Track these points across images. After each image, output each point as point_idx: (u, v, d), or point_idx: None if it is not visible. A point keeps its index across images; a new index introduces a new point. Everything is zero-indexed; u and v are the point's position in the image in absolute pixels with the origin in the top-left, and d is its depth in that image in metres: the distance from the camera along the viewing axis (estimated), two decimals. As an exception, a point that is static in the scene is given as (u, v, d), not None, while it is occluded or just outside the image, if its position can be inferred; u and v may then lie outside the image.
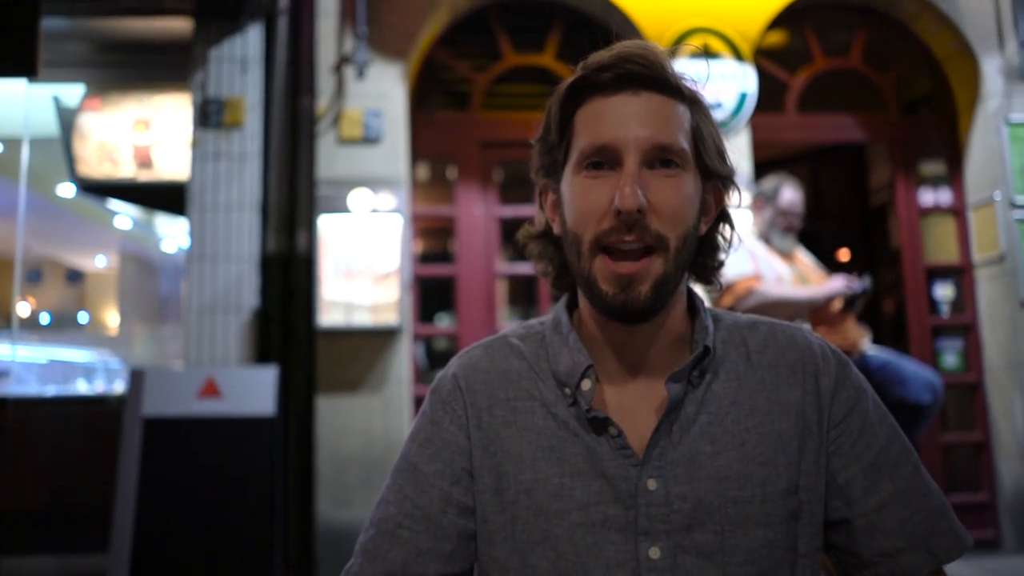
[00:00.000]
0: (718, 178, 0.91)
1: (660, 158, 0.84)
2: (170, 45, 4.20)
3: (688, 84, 0.88)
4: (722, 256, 0.95)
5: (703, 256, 0.93)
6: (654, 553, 0.82)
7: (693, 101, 0.89)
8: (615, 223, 0.82)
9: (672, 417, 0.86)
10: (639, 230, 0.82)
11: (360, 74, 3.99)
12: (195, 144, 3.99)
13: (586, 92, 0.87)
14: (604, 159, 0.84)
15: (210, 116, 4.00)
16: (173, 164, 4.25)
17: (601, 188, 0.84)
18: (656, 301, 0.84)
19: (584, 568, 0.83)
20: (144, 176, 4.30)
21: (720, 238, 0.95)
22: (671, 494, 0.83)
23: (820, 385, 0.89)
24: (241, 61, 4.06)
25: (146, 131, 4.30)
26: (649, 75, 0.85)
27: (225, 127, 4.00)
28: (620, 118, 0.84)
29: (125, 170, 4.30)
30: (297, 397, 3.89)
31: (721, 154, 0.90)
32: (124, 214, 6.00)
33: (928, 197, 4.64)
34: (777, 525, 0.83)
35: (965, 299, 4.50)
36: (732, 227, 0.95)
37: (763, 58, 4.43)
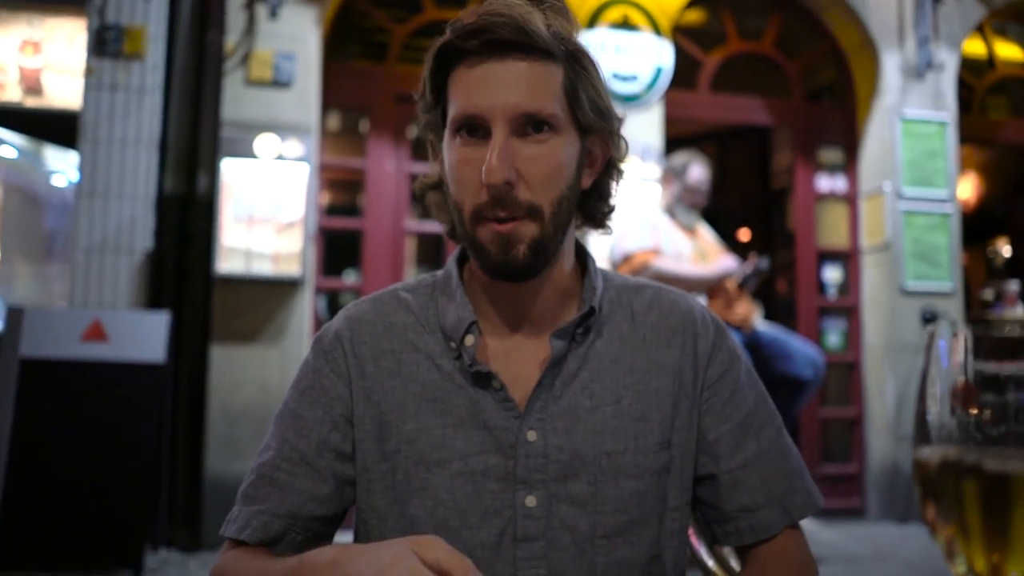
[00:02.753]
0: (600, 132, 0.90)
1: (530, 124, 0.84)
2: (66, -37, 3.93)
3: (562, 40, 0.86)
4: (612, 203, 0.96)
5: (593, 204, 0.94)
6: (530, 501, 0.85)
7: (569, 56, 0.87)
8: (488, 198, 0.83)
9: (554, 372, 0.88)
10: (510, 204, 0.83)
11: (273, 14, 3.84)
12: (90, 72, 3.75)
13: (456, 56, 0.86)
14: (474, 130, 0.84)
15: (108, 44, 3.77)
16: (65, 92, 4.00)
17: (474, 159, 0.84)
18: (535, 260, 0.85)
19: (462, 515, 0.85)
20: (32, 102, 4.03)
21: (610, 184, 0.95)
22: (549, 445, 0.86)
23: (697, 348, 0.93)
24: (145, -12, 3.83)
25: (36, 54, 4.02)
26: (515, 39, 0.83)
27: (124, 57, 3.78)
28: (486, 87, 0.83)
29: (11, 94, 4.01)
30: (190, 345, 3.77)
31: (599, 109, 0.88)
32: (8, 143, 5.62)
33: (825, 183, 4.86)
34: (648, 477, 0.87)
35: (851, 282, 4.76)
36: (620, 174, 0.96)
37: (680, 35, 4.50)
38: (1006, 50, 5.25)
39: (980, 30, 5.00)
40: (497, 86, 0.83)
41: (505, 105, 0.82)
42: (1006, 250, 7.49)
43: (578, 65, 0.87)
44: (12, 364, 3.01)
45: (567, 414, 0.87)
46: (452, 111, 0.86)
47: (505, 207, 0.83)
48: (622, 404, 0.89)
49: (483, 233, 0.85)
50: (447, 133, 0.88)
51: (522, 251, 0.84)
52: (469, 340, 0.88)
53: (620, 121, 0.92)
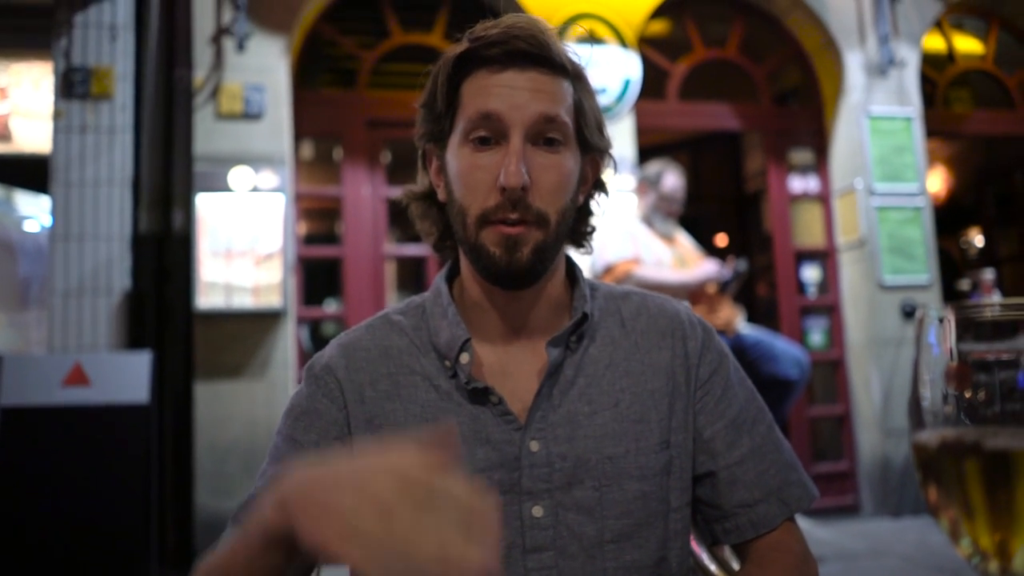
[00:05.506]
0: (596, 151, 0.94)
1: (544, 134, 0.86)
2: (29, 7, 3.90)
3: (572, 59, 0.90)
4: (594, 222, 0.99)
5: (578, 222, 0.96)
6: (537, 512, 0.85)
7: (576, 76, 0.91)
8: (500, 200, 0.84)
9: (552, 380, 0.89)
10: (522, 208, 0.84)
11: (240, 47, 3.84)
12: (58, 115, 3.73)
13: (473, 64, 0.88)
14: (490, 132, 0.86)
15: (75, 86, 3.75)
16: (34, 136, 3.97)
17: (487, 164, 0.86)
18: (537, 264, 0.87)
19: None
20: (1, 148, 3.99)
21: (594, 205, 0.98)
22: (552, 454, 0.86)
23: (688, 348, 0.95)
24: (110, 27, 3.82)
25: (2, 100, 4.00)
26: (536, 53, 0.86)
27: (92, 98, 3.76)
28: (507, 93, 0.86)
29: (-22, 142, 3.98)
30: (173, 384, 3.73)
31: (600, 128, 0.93)
32: (-22, 191, 5.56)
33: (798, 184, 4.91)
34: (651, 479, 0.88)
35: (830, 281, 4.80)
36: (606, 195, 0.99)
37: (646, 46, 4.55)
38: (965, 43, 5.35)
39: (939, 26, 5.10)
40: (518, 92, 0.86)
41: (525, 111, 0.85)
42: (978, 240, 7.60)
43: (583, 84, 0.91)
44: (-7, 414, 2.96)
45: (567, 422, 0.88)
46: (467, 113, 0.87)
47: (517, 210, 0.84)
48: (620, 407, 0.90)
49: (488, 236, 0.86)
50: (456, 139, 0.89)
51: (526, 254, 0.85)
52: (464, 358, 0.89)
53: (611, 144, 0.96)
